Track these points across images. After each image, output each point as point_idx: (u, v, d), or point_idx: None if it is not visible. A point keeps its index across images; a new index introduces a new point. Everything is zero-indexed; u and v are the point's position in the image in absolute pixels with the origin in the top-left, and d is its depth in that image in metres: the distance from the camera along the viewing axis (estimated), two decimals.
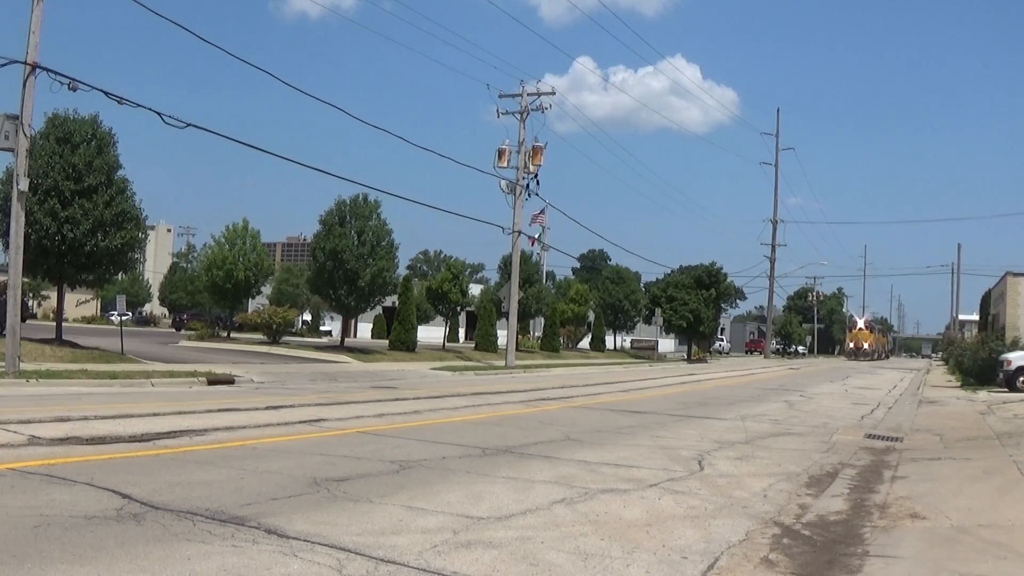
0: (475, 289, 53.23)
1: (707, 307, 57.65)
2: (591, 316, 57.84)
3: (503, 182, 33.65)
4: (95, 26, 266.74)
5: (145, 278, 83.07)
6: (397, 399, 15.90)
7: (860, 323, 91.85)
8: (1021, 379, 22.90)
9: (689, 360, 56.65)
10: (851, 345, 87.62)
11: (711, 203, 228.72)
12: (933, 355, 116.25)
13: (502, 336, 38.87)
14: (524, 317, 45.87)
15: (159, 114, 17.21)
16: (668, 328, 58.22)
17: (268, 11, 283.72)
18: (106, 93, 16.65)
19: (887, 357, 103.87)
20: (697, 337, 60.58)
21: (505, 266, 43.16)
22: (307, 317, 64.68)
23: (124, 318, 26.12)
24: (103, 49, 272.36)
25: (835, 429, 13.69)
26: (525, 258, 43.15)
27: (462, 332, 63.35)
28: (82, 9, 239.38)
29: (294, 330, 49.59)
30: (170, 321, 70.51)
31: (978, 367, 28.83)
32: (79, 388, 15.16)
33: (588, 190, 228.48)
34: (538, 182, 34.64)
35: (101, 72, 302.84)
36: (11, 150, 16.40)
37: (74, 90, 16.19)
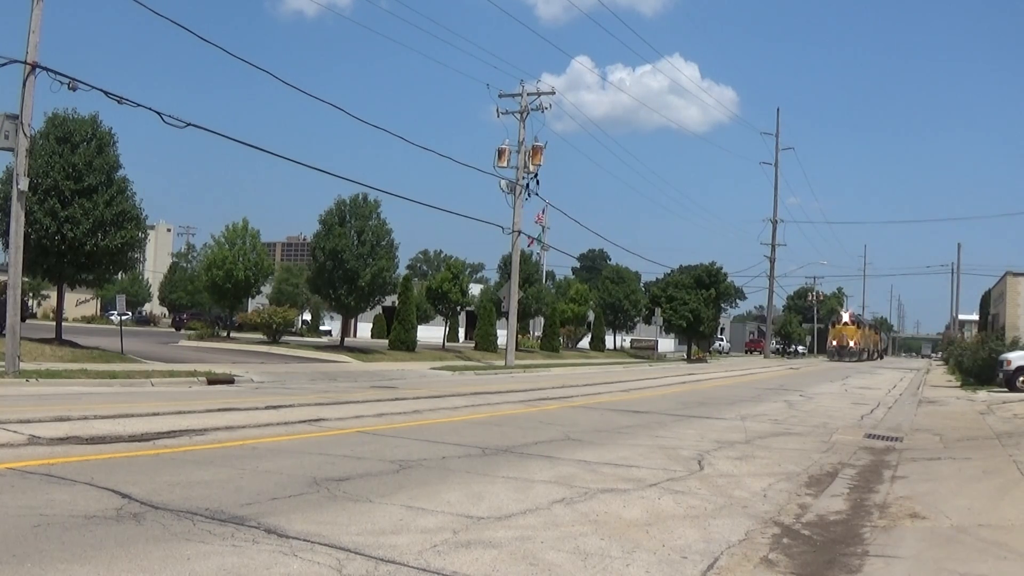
0: (475, 289, 53.25)
1: (707, 307, 57.66)
2: (591, 316, 57.85)
3: (503, 182, 33.68)
4: (95, 26, 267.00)
5: (145, 278, 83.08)
6: (397, 399, 15.90)
7: (845, 317, 77.69)
8: (1021, 379, 22.90)
9: (689, 360, 56.63)
10: (834, 343, 74.67)
11: (711, 203, 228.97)
12: (933, 355, 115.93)
13: (502, 336, 38.87)
14: (524, 317, 45.88)
15: (159, 114, 17.23)
16: (668, 328, 58.19)
17: (265, 10, 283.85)
18: (106, 93, 16.66)
19: (880, 357, 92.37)
20: (697, 337, 60.56)
21: (505, 266, 43.16)
22: (307, 317, 64.70)
23: (124, 318, 26.12)
24: (103, 49, 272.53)
25: (835, 429, 13.69)
26: (525, 258, 43.17)
27: (462, 332, 63.37)
28: (82, 9, 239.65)
29: (294, 330, 49.61)
30: (170, 321, 70.47)
31: (978, 367, 28.82)
32: (79, 388, 15.16)
33: (588, 190, 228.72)
34: (538, 182, 34.69)
35: (101, 72, 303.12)
36: (11, 150, 16.40)
37: (74, 90, 16.19)
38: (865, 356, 77.86)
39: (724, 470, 8.78)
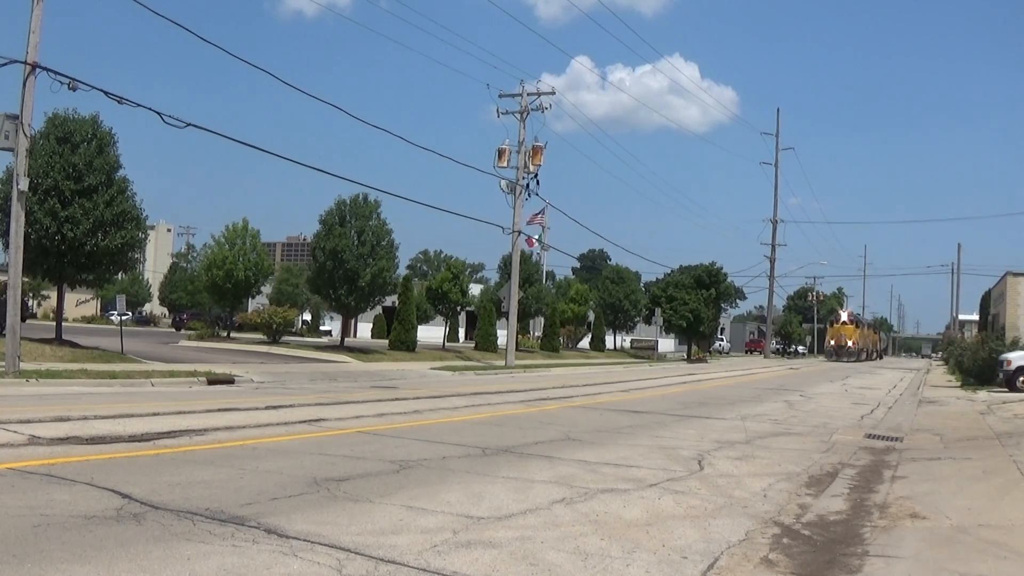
0: (475, 289, 53.24)
1: (707, 307, 57.67)
2: (591, 316, 57.85)
3: (503, 182, 33.69)
4: (95, 26, 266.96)
5: (145, 278, 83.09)
6: (397, 399, 15.90)
7: (843, 316, 76.06)
8: (1021, 379, 22.90)
9: (689, 360, 56.62)
10: (831, 343, 73.58)
11: (711, 203, 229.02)
12: (933, 355, 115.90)
13: (502, 336, 38.87)
14: (524, 317, 45.88)
15: (159, 114, 17.24)
16: (668, 328, 58.18)
17: (265, 10, 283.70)
18: (106, 93, 16.67)
19: (879, 357, 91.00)
20: (697, 337, 60.56)
21: (505, 266, 43.17)
22: (307, 317, 64.70)
23: (124, 318, 26.12)
24: (103, 49, 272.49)
25: (835, 429, 13.69)
26: (525, 258, 43.17)
27: (462, 332, 63.36)
28: (82, 9, 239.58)
29: (294, 330, 49.61)
30: (170, 321, 70.49)
31: (978, 367, 28.83)
32: (79, 388, 15.16)
33: (588, 190, 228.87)
34: (538, 182, 34.69)
35: (101, 72, 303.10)
36: (11, 150, 16.40)
37: (74, 90, 16.19)
38: (864, 356, 76.80)
39: (724, 470, 8.78)
